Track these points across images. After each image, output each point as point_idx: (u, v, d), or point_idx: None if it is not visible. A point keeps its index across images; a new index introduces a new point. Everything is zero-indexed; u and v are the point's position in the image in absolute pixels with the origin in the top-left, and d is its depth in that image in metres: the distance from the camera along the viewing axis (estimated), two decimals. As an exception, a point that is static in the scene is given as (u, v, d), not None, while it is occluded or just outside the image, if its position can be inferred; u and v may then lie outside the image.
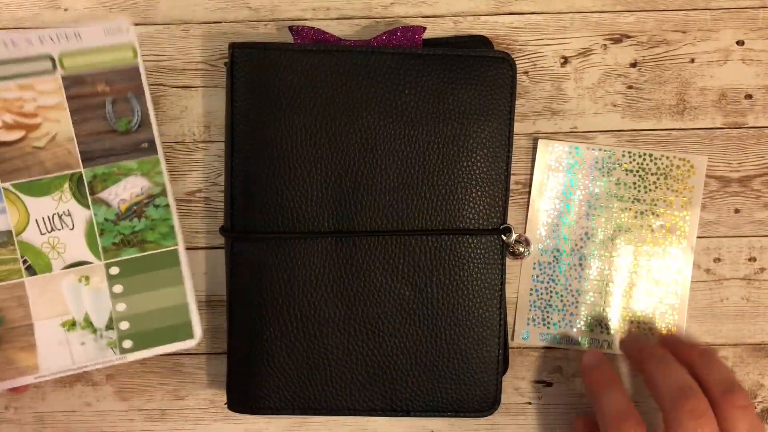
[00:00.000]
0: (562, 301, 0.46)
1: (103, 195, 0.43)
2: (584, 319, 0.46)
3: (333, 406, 0.44)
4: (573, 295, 0.46)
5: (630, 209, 0.45)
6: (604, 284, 0.46)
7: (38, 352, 0.43)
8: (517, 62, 0.46)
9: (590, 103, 0.46)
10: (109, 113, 0.42)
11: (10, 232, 0.42)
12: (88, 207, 0.43)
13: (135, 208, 0.43)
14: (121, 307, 0.44)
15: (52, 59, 0.42)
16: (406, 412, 0.44)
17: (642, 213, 0.45)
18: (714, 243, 0.47)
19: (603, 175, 0.45)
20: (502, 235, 0.44)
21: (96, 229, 0.43)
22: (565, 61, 0.46)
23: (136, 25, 0.46)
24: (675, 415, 0.37)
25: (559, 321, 0.46)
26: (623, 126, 0.46)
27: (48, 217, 0.42)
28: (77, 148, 0.42)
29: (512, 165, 0.46)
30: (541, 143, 0.45)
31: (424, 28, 0.45)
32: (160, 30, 0.46)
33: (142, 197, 0.43)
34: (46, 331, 0.43)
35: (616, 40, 0.46)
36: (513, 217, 0.46)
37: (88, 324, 0.43)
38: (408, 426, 0.47)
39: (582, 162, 0.45)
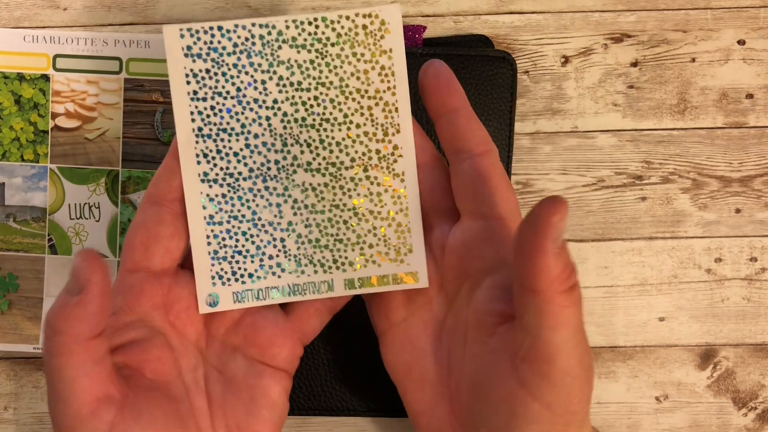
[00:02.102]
0: (254, 242, 0.35)
1: (133, 197, 0.45)
2: (292, 259, 0.35)
3: (333, 407, 0.44)
4: (267, 231, 0.35)
5: (317, 98, 0.34)
6: (303, 206, 0.35)
7: (42, 324, 0.45)
8: (517, 62, 0.46)
9: (591, 103, 0.46)
10: (157, 122, 0.45)
11: (44, 210, 0.46)
12: (116, 204, 0.45)
13: None
14: None
15: (120, 62, 0.45)
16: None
17: (333, 100, 0.34)
18: (715, 243, 0.47)
19: (266, 61, 0.34)
20: (503, 235, 0.44)
21: (118, 227, 0.45)
22: (566, 60, 0.46)
23: (135, 24, 0.46)
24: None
25: (256, 269, 0.35)
26: (624, 126, 0.46)
27: (80, 204, 0.45)
28: (121, 148, 0.45)
29: (513, 165, 0.46)
30: (167, 29, 0.34)
31: (425, 28, 0.44)
32: (159, 29, 0.46)
33: None
34: None
35: (617, 40, 0.46)
36: (513, 217, 0.46)
37: None
38: (408, 426, 0.47)
39: (233, 48, 0.34)
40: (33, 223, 0.46)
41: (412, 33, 0.44)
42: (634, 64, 0.46)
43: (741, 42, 0.46)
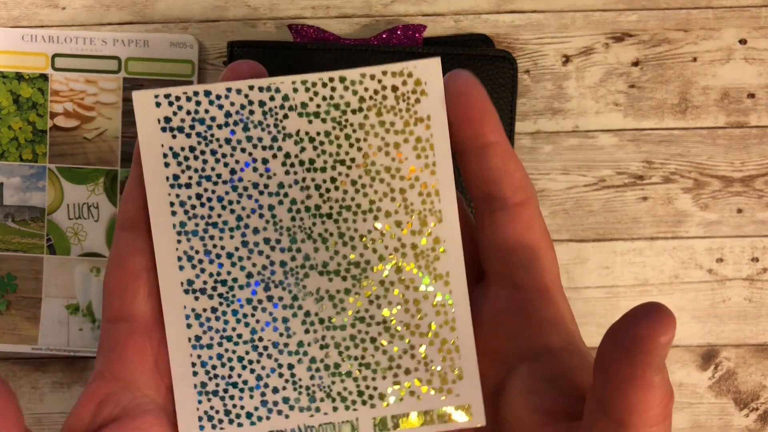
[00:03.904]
0: (253, 370, 0.27)
1: None
2: (303, 392, 0.27)
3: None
4: (271, 354, 0.27)
5: (335, 180, 0.27)
6: (318, 321, 0.27)
7: (40, 325, 0.45)
8: (518, 61, 0.45)
9: (592, 102, 0.46)
10: None
11: (43, 210, 0.45)
12: (115, 204, 0.45)
13: None
14: None
15: (119, 61, 0.45)
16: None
17: (355, 183, 0.27)
18: (717, 243, 0.46)
19: (269, 134, 0.27)
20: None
21: None
22: (567, 59, 0.46)
23: (134, 23, 0.46)
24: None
25: (257, 407, 0.27)
26: (625, 125, 0.46)
27: (78, 204, 0.45)
28: (119, 148, 0.46)
29: (513, 164, 0.46)
30: (138, 96, 0.26)
31: (425, 27, 0.44)
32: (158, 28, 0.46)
33: None
34: (51, 309, 0.45)
35: (618, 39, 0.46)
36: (514, 217, 0.46)
37: (90, 313, 0.46)
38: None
39: (225, 119, 0.27)
40: (31, 223, 0.45)
41: (412, 32, 0.44)
42: (636, 64, 0.46)
43: (742, 41, 0.46)
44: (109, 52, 0.45)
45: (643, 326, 0.21)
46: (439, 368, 0.27)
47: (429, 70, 0.28)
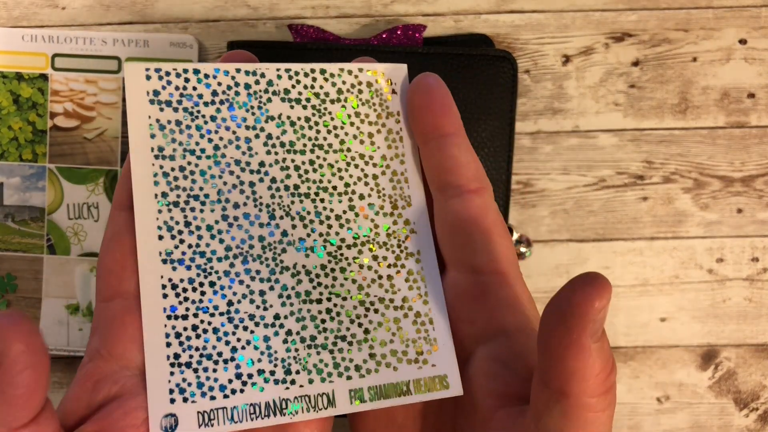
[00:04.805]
0: (228, 342, 0.26)
1: None
2: (279, 364, 0.27)
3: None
4: (247, 327, 0.27)
5: (313, 163, 0.29)
6: (295, 295, 0.28)
7: (40, 325, 0.46)
8: (518, 61, 0.45)
9: (592, 102, 0.46)
10: None
11: (43, 210, 0.46)
12: None
13: None
14: None
15: (119, 61, 0.45)
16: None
17: (332, 166, 0.29)
18: (717, 243, 0.46)
19: (253, 115, 0.28)
20: (503, 235, 0.44)
21: None
22: (567, 59, 0.46)
23: (134, 23, 0.46)
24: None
25: (231, 379, 0.26)
26: (625, 125, 0.46)
27: (78, 204, 0.46)
28: (119, 148, 0.46)
29: (513, 164, 0.45)
30: (129, 68, 0.27)
31: (425, 27, 0.44)
32: (158, 29, 0.46)
33: None
34: (51, 309, 0.46)
35: (618, 39, 0.46)
36: (514, 217, 0.46)
37: (89, 313, 0.46)
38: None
39: (212, 97, 0.28)
40: (31, 223, 0.45)
41: (412, 32, 0.44)
42: (636, 64, 0.46)
43: (742, 41, 0.46)
44: (109, 52, 0.45)
45: (578, 292, 0.21)
46: (413, 338, 0.28)
47: (396, 73, 0.30)
